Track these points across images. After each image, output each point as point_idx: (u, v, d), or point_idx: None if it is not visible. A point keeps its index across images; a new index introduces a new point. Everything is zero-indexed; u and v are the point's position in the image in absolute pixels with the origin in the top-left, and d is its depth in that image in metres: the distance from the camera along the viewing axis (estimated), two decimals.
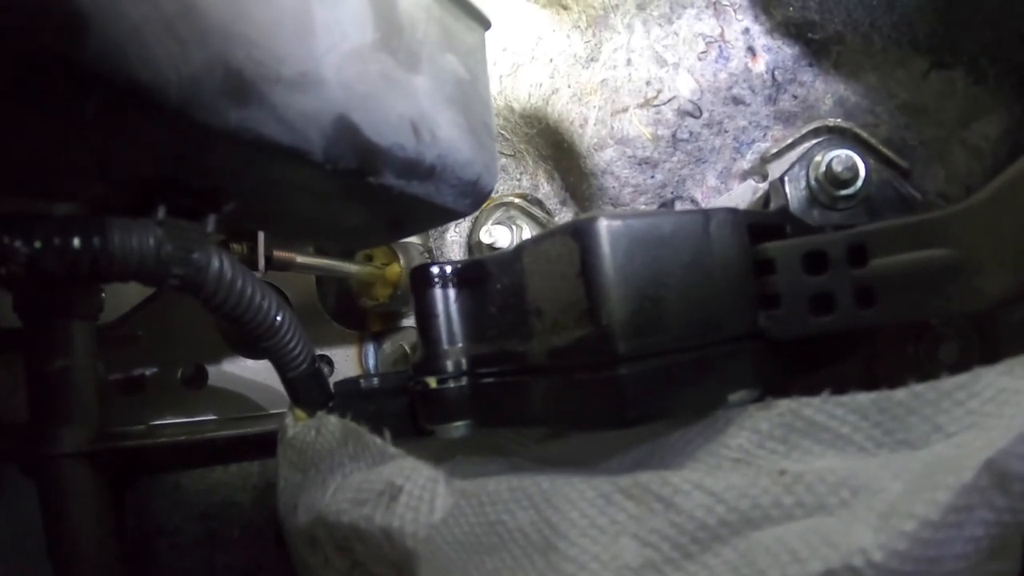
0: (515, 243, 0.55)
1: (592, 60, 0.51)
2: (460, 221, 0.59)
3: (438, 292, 0.36)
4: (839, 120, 0.48)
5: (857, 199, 0.46)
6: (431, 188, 0.34)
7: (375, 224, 0.39)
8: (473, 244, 0.57)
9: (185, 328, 0.61)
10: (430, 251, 0.60)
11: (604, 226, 0.30)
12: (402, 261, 0.58)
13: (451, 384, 0.35)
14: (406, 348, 0.60)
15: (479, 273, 0.36)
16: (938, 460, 0.27)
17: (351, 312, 0.62)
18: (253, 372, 0.62)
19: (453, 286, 0.36)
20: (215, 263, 0.32)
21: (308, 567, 0.38)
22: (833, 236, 0.34)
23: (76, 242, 0.28)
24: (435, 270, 0.37)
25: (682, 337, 0.31)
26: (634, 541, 0.27)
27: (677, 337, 0.31)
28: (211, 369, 0.62)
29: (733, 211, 0.34)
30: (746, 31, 0.48)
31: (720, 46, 0.48)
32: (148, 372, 0.60)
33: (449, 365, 0.36)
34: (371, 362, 0.61)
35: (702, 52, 0.48)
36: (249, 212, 0.36)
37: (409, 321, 0.62)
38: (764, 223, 0.36)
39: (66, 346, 0.50)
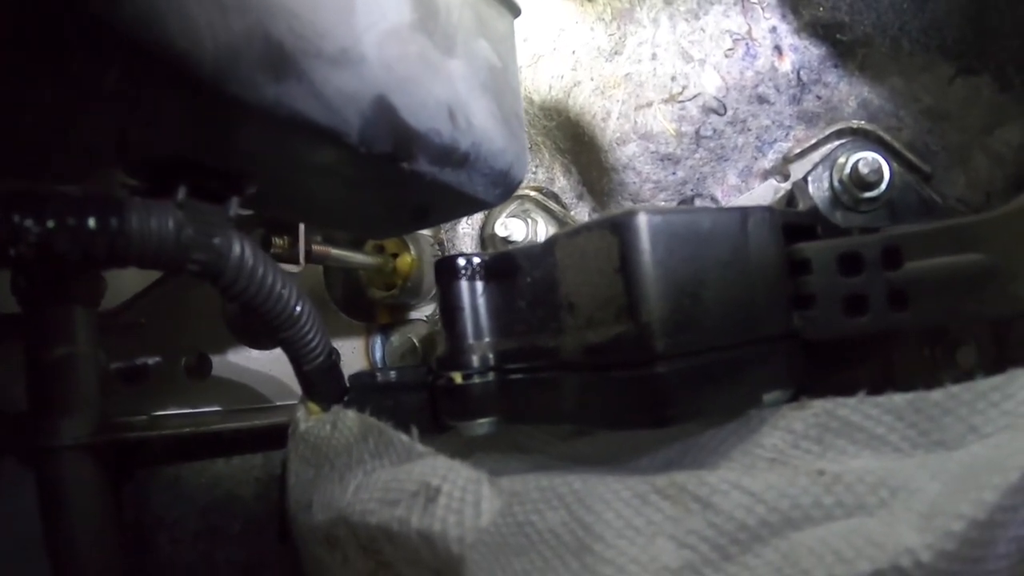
0: (530, 237, 0.55)
1: (616, 53, 0.50)
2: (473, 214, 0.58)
3: (464, 284, 0.36)
4: (863, 122, 0.48)
5: (880, 202, 0.45)
6: (463, 177, 0.33)
7: (399, 213, 0.38)
8: (486, 237, 0.57)
9: (189, 317, 0.60)
10: (441, 243, 0.60)
11: (645, 220, 0.29)
12: (413, 252, 0.58)
13: (477, 379, 0.35)
14: (415, 341, 0.59)
15: (508, 266, 0.35)
16: (977, 461, 0.27)
17: (359, 303, 0.61)
18: (258, 363, 0.61)
19: (480, 279, 0.36)
20: (236, 249, 0.31)
21: (322, 566, 0.37)
22: (869, 238, 0.33)
23: (92, 223, 0.27)
24: (462, 262, 0.36)
25: (719, 336, 0.31)
26: (671, 542, 0.26)
27: (714, 336, 0.30)
28: (215, 359, 0.61)
29: (770, 210, 0.34)
30: (773, 29, 0.48)
31: (747, 44, 0.47)
32: (151, 361, 0.58)
33: (475, 360, 0.35)
34: (378, 355, 0.61)
35: (729, 49, 0.48)
36: (270, 196, 0.35)
37: (417, 314, 0.61)
38: (797, 223, 0.35)
39: (67, 333, 0.48)
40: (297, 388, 0.64)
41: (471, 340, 0.35)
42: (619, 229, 0.30)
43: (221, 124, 0.27)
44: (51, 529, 0.45)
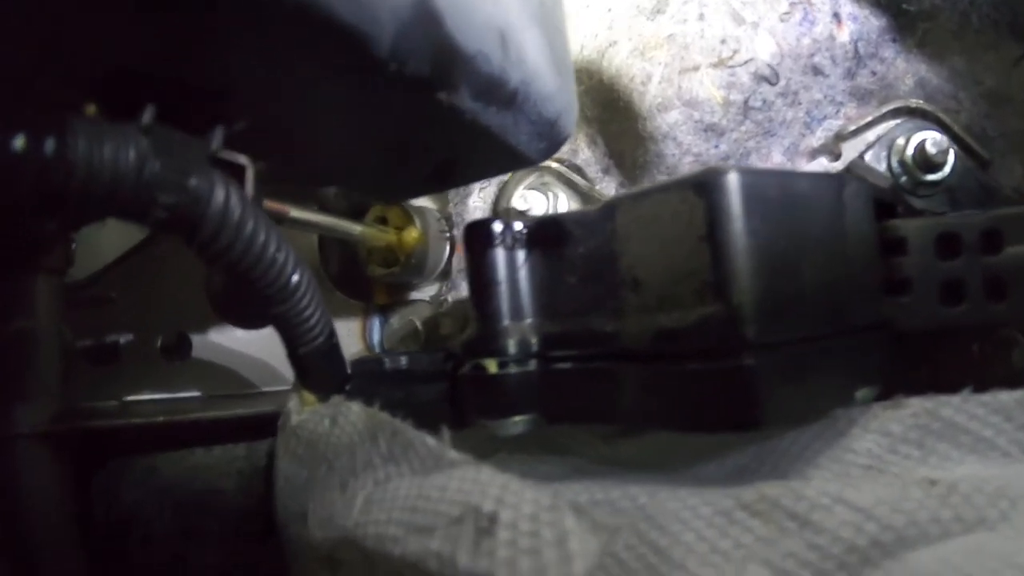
0: (550, 213, 0.50)
1: (658, 12, 0.45)
2: (486, 185, 0.52)
3: (501, 254, 0.31)
4: (921, 102, 0.44)
5: (941, 187, 0.42)
6: (508, 120, 0.28)
7: (420, 167, 0.33)
8: (500, 211, 0.51)
9: (168, 290, 0.54)
10: (448, 217, 0.54)
11: (738, 180, 0.25)
12: (418, 226, 0.52)
13: (514, 369, 0.30)
14: (417, 324, 0.54)
15: (556, 233, 0.30)
16: None
17: (356, 280, 0.55)
18: (243, 344, 0.55)
19: (522, 247, 0.31)
20: (219, 194, 0.25)
21: None
22: (969, 217, 0.30)
23: (18, 143, 0.20)
24: (499, 227, 0.31)
25: (814, 323, 0.26)
26: (766, 568, 0.22)
27: (809, 323, 0.26)
28: (195, 339, 0.55)
29: (864, 180, 0.29)
30: None
31: (805, 8, 0.43)
32: (123, 339, 0.53)
33: (512, 345, 0.30)
34: (376, 337, 0.55)
35: (785, 13, 0.43)
36: (261, 137, 0.28)
37: (420, 294, 0.56)
38: (884, 199, 0.31)
39: (26, 304, 0.43)
40: (288, 373, 0.58)
41: (508, 321, 0.30)
42: (706, 189, 0.25)
43: (201, 16, 0.20)
44: (4, 524, 0.39)
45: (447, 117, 0.26)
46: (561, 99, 0.30)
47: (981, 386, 0.28)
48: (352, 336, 0.55)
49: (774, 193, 0.26)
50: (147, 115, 0.23)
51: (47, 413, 0.44)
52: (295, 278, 0.29)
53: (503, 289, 0.30)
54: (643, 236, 0.27)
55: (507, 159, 0.31)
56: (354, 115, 0.27)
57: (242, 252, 0.26)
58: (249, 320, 0.52)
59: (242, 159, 0.28)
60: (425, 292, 0.56)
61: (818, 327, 0.26)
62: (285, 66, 0.23)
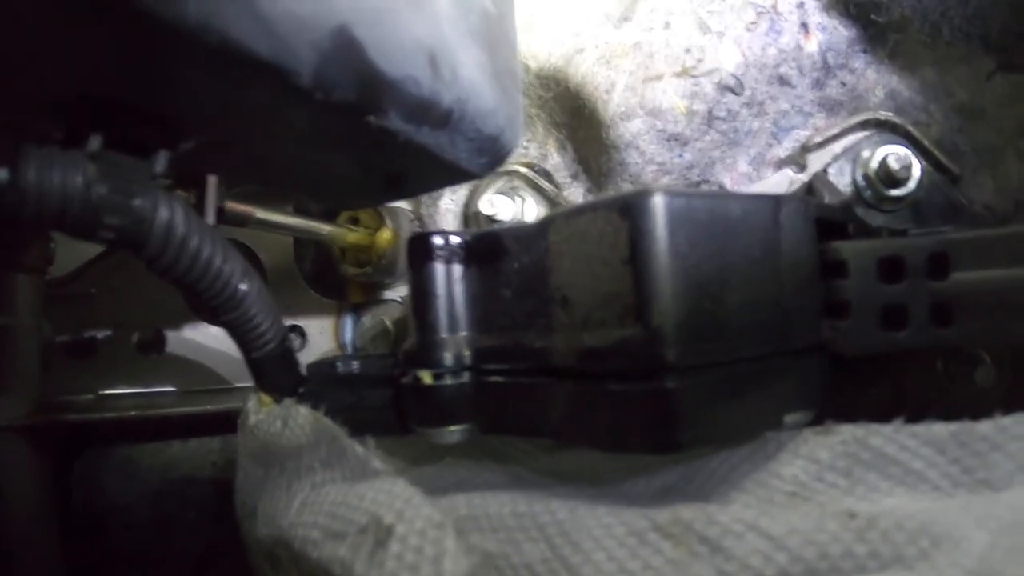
0: (517, 217, 0.49)
1: (625, 20, 0.45)
2: (456, 188, 0.52)
3: (440, 268, 0.30)
4: (891, 115, 0.43)
5: (905, 202, 0.41)
6: (444, 139, 0.28)
7: (369, 180, 0.33)
8: (470, 215, 0.51)
9: (143, 288, 0.55)
10: (421, 219, 0.54)
11: (663, 203, 0.25)
12: (391, 227, 0.52)
13: (449, 380, 0.30)
14: (387, 323, 0.54)
15: (493, 248, 0.30)
16: None
17: (330, 279, 0.55)
18: (217, 340, 0.56)
19: (459, 262, 0.31)
20: (163, 213, 0.26)
21: None
22: (914, 241, 0.29)
23: None
24: (438, 240, 0.31)
25: (741, 346, 0.26)
26: None
27: (736, 346, 0.26)
28: (170, 335, 0.55)
29: (804, 200, 0.29)
30: (801, 5, 0.43)
31: (772, 18, 0.43)
32: (100, 335, 0.54)
33: (448, 357, 0.30)
34: (348, 336, 0.55)
35: (751, 23, 0.43)
36: (212, 153, 0.30)
37: (392, 293, 0.56)
38: (828, 218, 0.31)
39: (7, 301, 0.44)
40: None
41: (444, 333, 0.30)
42: (631, 212, 0.25)
43: (136, 51, 0.21)
44: None
45: (380, 138, 0.26)
46: (503, 114, 0.30)
47: (943, 403, 0.27)
48: (325, 334, 0.56)
49: (703, 216, 0.25)
50: (94, 142, 0.25)
51: (25, 406, 0.45)
52: (242, 287, 0.30)
53: (441, 302, 0.30)
54: (573, 255, 0.27)
55: (450, 174, 0.31)
56: (295, 136, 0.28)
57: (187, 266, 0.27)
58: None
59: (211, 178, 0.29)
60: (397, 292, 0.56)
61: (748, 349, 0.26)
62: (222, 94, 0.24)
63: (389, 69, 0.24)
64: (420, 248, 0.30)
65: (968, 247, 0.29)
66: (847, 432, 0.26)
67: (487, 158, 0.30)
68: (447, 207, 0.53)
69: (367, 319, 0.57)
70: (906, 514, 0.23)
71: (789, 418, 0.27)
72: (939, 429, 0.26)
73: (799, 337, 0.28)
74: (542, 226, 0.28)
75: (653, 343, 0.24)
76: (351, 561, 0.23)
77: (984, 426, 0.25)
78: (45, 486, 0.46)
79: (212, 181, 0.34)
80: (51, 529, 0.45)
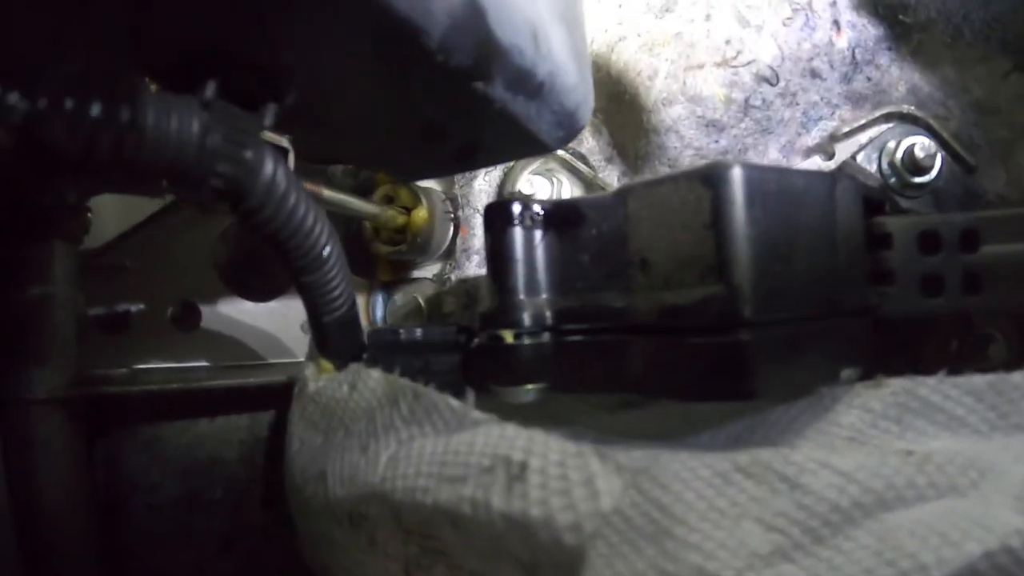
0: (553, 198, 0.52)
1: (667, 11, 0.47)
2: (491, 168, 0.54)
3: (519, 233, 0.33)
4: (913, 108, 0.46)
5: (927, 189, 0.44)
6: (532, 110, 0.30)
7: (446, 149, 0.35)
8: (505, 195, 0.53)
9: (179, 261, 0.55)
10: (454, 199, 0.56)
11: (742, 174, 0.27)
12: (425, 205, 0.54)
13: (528, 340, 0.32)
14: (420, 301, 0.56)
15: (571, 216, 0.32)
16: None
17: (360, 258, 0.57)
18: (251, 316, 0.57)
19: (539, 227, 0.33)
20: (268, 167, 0.27)
21: (334, 547, 0.33)
22: (950, 218, 0.32)
23: (96, 110, 0.22)
24: (518, 208, 0.33)
25: (805, 305, 0.29)
26: (759, 525, 0.24)
27: (800, 305, 0.28)
28: (205, 310, 0.56)
29: (854, 178, 0.32)
30: (833, 3, 0.46)
31: (807, 14, 0.45)
32: (134, 309, 0.53)
33: (527, 318, 0.32)
34: (379, 314, 0.57)
35: (787, 18, 0.46)
36: (302, 113, 0.30)
37: (421, 272, 0.58)
38: (872, 197, 0.34)
39: (44, 271, 0.43)
40: (293, 346, 0.60)
41: (523, 296, 0.32)
42: (713, 181, 0.27)
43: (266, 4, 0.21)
44: (16, 491, 0.40)
45: (479, 105, 0.28)
46: (581, 91, 0.32)
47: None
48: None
49: (773, 187, 0.28)
50: (209, 90, 0.25)
51: (61, 379, 0.44)
52: (327, 249, 0.31)
53: (520, 266, 0.32)
54: (653, 221, 0.29)
55: (526, 145, 0.33)
56: (394, 97, 0.29)
57: (284, 222, 0.28)
58: (255, 293, 0.54)
59: (284, 142, 0.30)
60: (428, 271, 0.58)
61: (808, 310, 0.29)
62: (340, 50, 0.25)
63: (503, 37, 0.25)
64: (500, 214, 0.33)
65: (996, 224, 0.32)
66: (897, 384, 0.29)
67: (564, 132, 0.33)
68: (481, 187, 0.55)
69: (399, 297, 0.59)
70: (955, 451, 0.26)
71: (843, 373, 0.30)
72: (978, 380, 0.28)
73: (849, 301, 0.31)
74: (620, 195, 0.31)
75: (733, 300, 0.26)
76: (484, 498, 0.24)
77: (1017, 376, 0.28)
78: (81, 461, 0.46)
79: (291, 155, 0.35)
80: (88, 505, 0.45)
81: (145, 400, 0.52)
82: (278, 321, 0.58)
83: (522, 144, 0.33)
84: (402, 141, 0.35)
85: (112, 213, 0.56)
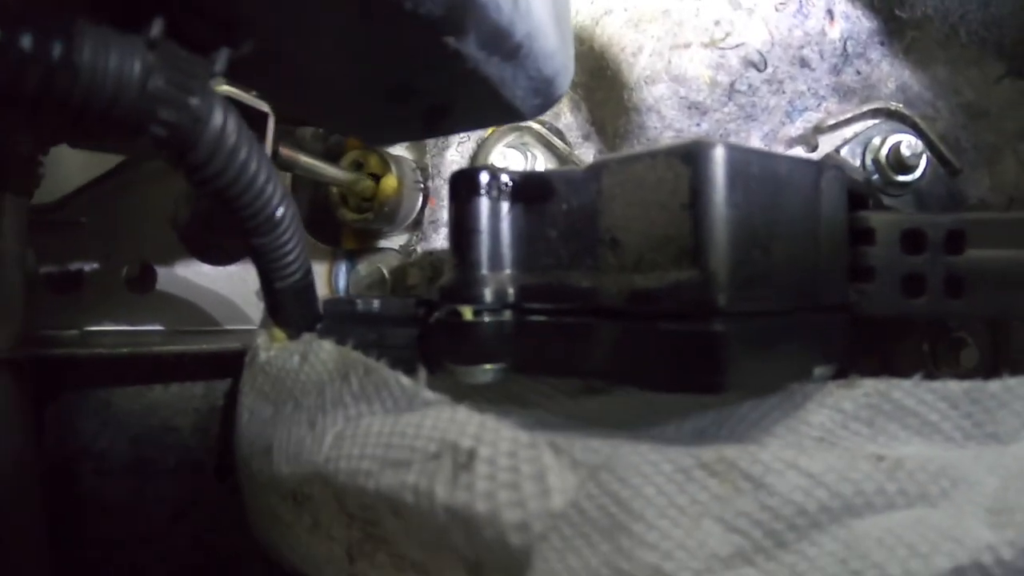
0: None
1: None
2: (464, 140, 0.52)
3: (485, 203, 0.31)
4: (901, 106, 0.45)
5: (910, 189, 0.43)
6: (508, 73, 0.28)
7: (413, 111, 0.32)
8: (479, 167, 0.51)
9: (136, 220, 0.52)
10: (424, 169, 0.54)
11: (724, 153, 0.25)
12: (395, 174, 0.51)
13: (490, 317, 0.30)
14: (384, 272, 0.54)
15: (541, 188, 0.30)
16: None
17: (325, 224, 0.54)
18: (209, 279, 0.54)
19: (506, 199, 0.31)
20: (217, 117, 0.24)
21: (279, 523, 0.32)
22: (936, 217, 0.31)
23: (26, 42, 0.20)
24: (485, 177, 0.31)
25: (782, 298, 0.27)
26: (719, 525, 0.23)
27: (778, 297, 0.27)
28: (161, 271, 0.53)
29: (841, 168, 0.30)
30: None
31: (801, 1, 0.44)
32: (87, 268, 0.51)
33: (489, 294, 0.30)
34: (342, 283, 0.55)
35: (780, 3, 0.44)
36: (261, 65, 0.28)
37: (388, 242, 0.55)
38: (856, 191, 0.32)
39: None
40: (251, 312, 0.57)
41: (486, 270, 0.30)
42: (693, 159, 0.25)
43: None
44: None
45: (450, 63, 0.26)
46: (560, 58, 0.30)
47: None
48: (318, 280, 0.54)
49: (756, 170, 0.26)
50: (156, 28, 0.22)
51: (8, 339, 0.43)
52: (280, 211, 0.28)
53: (484, 238, 0.30)
54: (627, 198, 0.27)
55: (500, 112, 0.31)
56: (359, 51, 0.27)
57: (233, 178, 0.26)
58: (215, 255, 0.51)
59: (264, 107, 0.28)
60: (394, 241, 0.55)
61: (785, 302, 0.27)
62: None
63: None
64: (466, 183, 0.30)
65: (984, 227, 0.31)
66: (870, 385, 0.28)
67: (540, 100, 0.31)
68: (453, 159, 0.53)
69: (363, 267, 0.56)
70: (927, 458, 0.25)
71: (817, 370, 0.29)
72: (954, 386, 0.27)
73: (827, 296, 0.29)
74: (594, 169, 0.29)
75: (707, 286, 0.25)
76: (428, 487, 0.22)
77: (994, 385, 0.27)
78: (27, 424, 0.44)
79: (271, 121, 0.33)
80: (32, 471, 0.43)
81: (96, 364, 0.50)
82: (236, 286, 0.56)
83: (495, 110, 0.31)
84: (368, 100, 0.32)
85: (76, 167, 0.53)
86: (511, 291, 0.30)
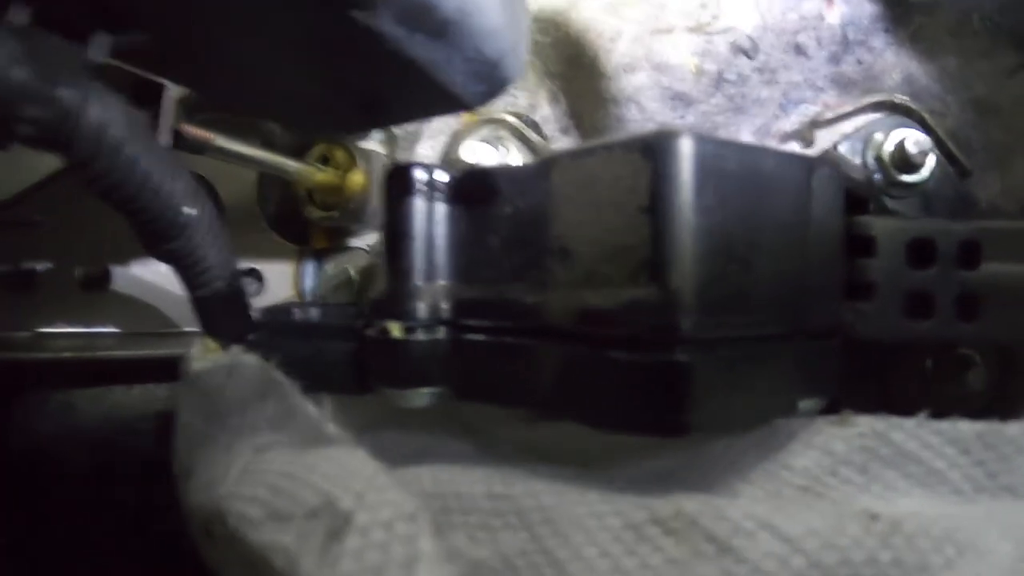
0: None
1: None
2: (436, 134, 0.48)
3: (419, 205, 0.26)
4: (907, 99, 0.41)
5: (916, 190, 0.39)
6: (439, 54, 0.24)
7: (342, 99, 0.28)
8: (449, 162, 0.47)
9: (91, 218, 0.49)
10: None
11: (692, 146, 0.21)
12: (363, 170, 0.48)
13: (422, 335, 0.26)
14: (351, 272, 0.50)
15: (483, 187, 0.26)
16: None
17: (293, 222, 0.51)
18: (168, 279, 0.51)
19: (443, 200, 0.27)
20: (94, 110, 0.22)
21: (204, 552, 0.28)
22: (947, 225, 0.27)
23: None
24: (420, 174, 0.27)
25: (763, 321, 0.23)
26: None
27: (757, 321, 0.23)
28: (117, 271, 0.50)
29: (836, 166, 0.26)
30: None
31: None
32: (39, 267, 0.49)
33: (422, 308, 0.26)
34: (309, 283, 0.51)
35: None
36: (165, 52, 0.25)
37: (359, 241, 0.52)
38: (855, 192, 0.28)
39: None
40: None
41: (419, 281, 0.26)
42: (654, 153, 0.21)
43: None
44: None
45: (367, 44, 0.22)
46: (507, 37, 0.26)
47: (929, 403, 0.25)
48: (285, 279, 0.51)
49: (733, 166, 0.22)
50: (20, 14, 0.20)
51: None
52: (188, 211, 0.25)
53: (418, 244, 0.26)
54: (579, 200, 0.23)
55: (439, 100, 0.27)
56: (265, 35, 0.23)
57: (121, 178, 0.23)
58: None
59: (161, 80, 0.25)
60: (364, 240, 0.52)
61: (766, 326, 0.23)
62: None
63: None
64: (399, 180, 0.26)
65: (1004, 238, 0.26)
66: (866, 424, 0.24)
67: (484, 86, 0.26)
68: (424, 153, 0.49)
69: (330, 267, 0.53)
70: (930, 518, 0.21)
71: (803, 404, 0.24)
72: (965, 428, 0.23)
73: (818, 317, 0.25)
74: (543, 166, 0.25)
75: (668, 308, 0.21)
76: (296, 554, 0.18)
77: (1013, 428, 0.23)
78: None
79: (168, 96, 0.30)
80: None
81: (51, 367, 0.48)
82: None
83: (433, 98, 0.26)
84: (297, 90, 0.28)
85: (30, 163, 0.51)
86: (446, 305, 0.26)
